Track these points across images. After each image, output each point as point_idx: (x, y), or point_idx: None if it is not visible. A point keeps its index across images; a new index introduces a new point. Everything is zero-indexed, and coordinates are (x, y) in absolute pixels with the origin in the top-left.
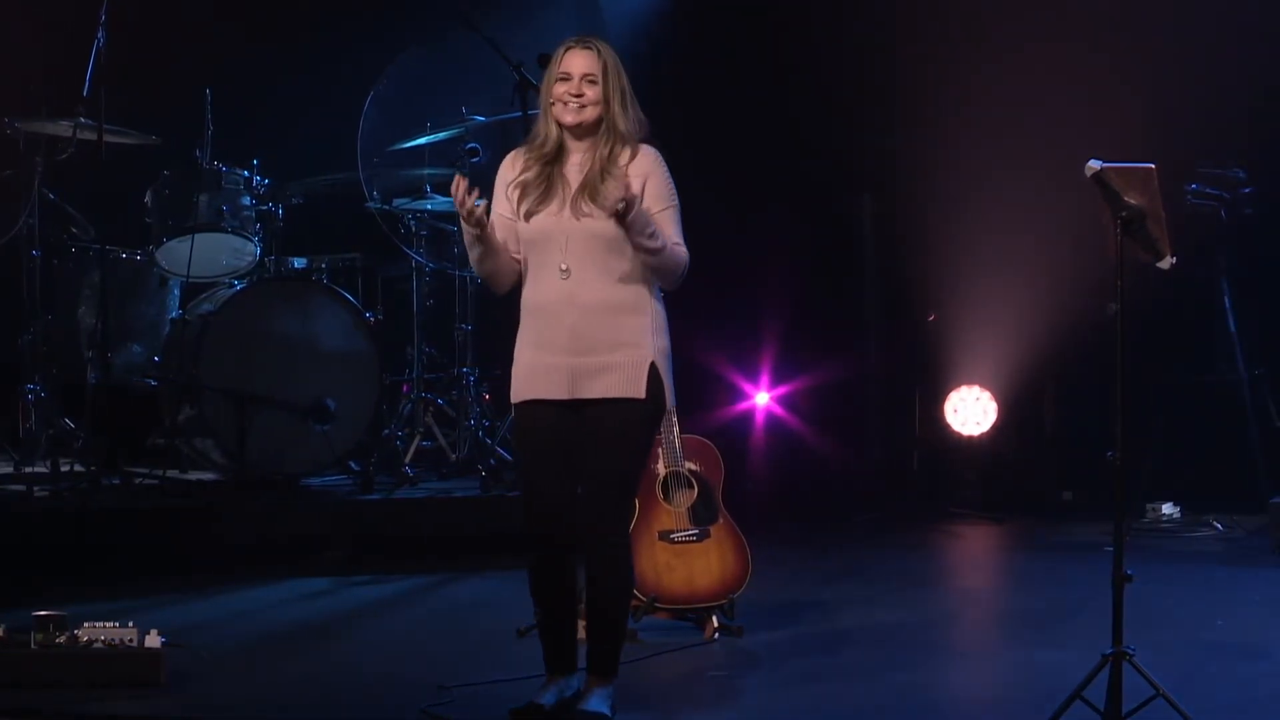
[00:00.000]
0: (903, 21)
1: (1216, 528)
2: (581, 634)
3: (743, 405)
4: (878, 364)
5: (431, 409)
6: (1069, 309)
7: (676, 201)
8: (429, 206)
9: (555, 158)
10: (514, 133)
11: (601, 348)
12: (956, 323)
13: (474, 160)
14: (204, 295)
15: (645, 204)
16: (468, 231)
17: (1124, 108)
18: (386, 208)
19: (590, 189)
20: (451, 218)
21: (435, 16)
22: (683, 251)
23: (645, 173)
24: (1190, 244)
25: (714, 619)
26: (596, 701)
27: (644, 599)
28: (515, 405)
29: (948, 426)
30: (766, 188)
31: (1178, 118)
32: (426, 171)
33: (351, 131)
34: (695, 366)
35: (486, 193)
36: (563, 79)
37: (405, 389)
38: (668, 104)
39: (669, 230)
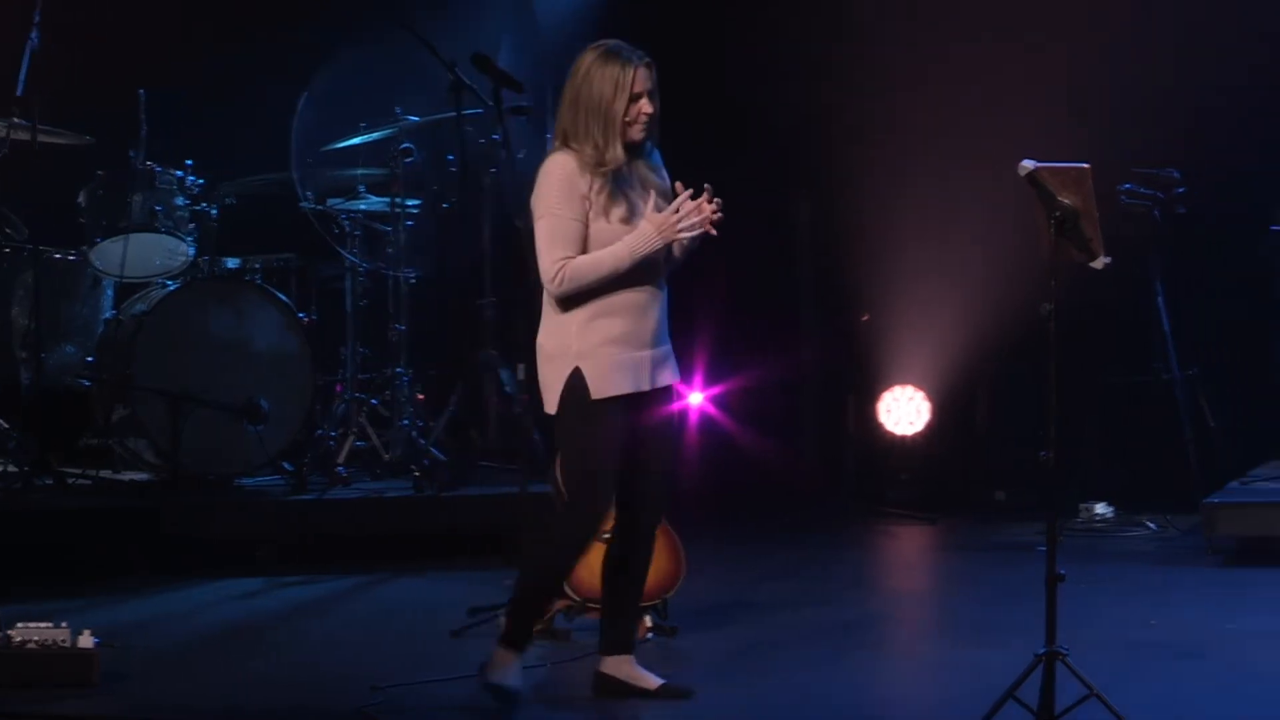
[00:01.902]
0: (839, 20)
1: (1150, 527)
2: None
3: (676, 405)
4: (812, 364)
5: (365, 409)
6: (1002, 309)
7: None
8: (363, 207)
9: (617, 169)
10: (448, 133)
11: (665, 339)
12: (890, 323)
13: (407, 161)
14: (138, 295)
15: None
16: (658, 249)
17: (1058, 107)
18: (320, 208)
19: (664, 195)
20: (385, 218)
21: (369, 17)
22: None
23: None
24: (1124, 244)
25: (647, 619)
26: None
27: (577, 599)
28: (603, 400)
29: (881, 426)
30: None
31: (1112, 117)
32: (360, 172)
33: (285, 132)
34: None
35: (420, 190)
36: (636, 97)
37: (338, 389)
38: None
39: None
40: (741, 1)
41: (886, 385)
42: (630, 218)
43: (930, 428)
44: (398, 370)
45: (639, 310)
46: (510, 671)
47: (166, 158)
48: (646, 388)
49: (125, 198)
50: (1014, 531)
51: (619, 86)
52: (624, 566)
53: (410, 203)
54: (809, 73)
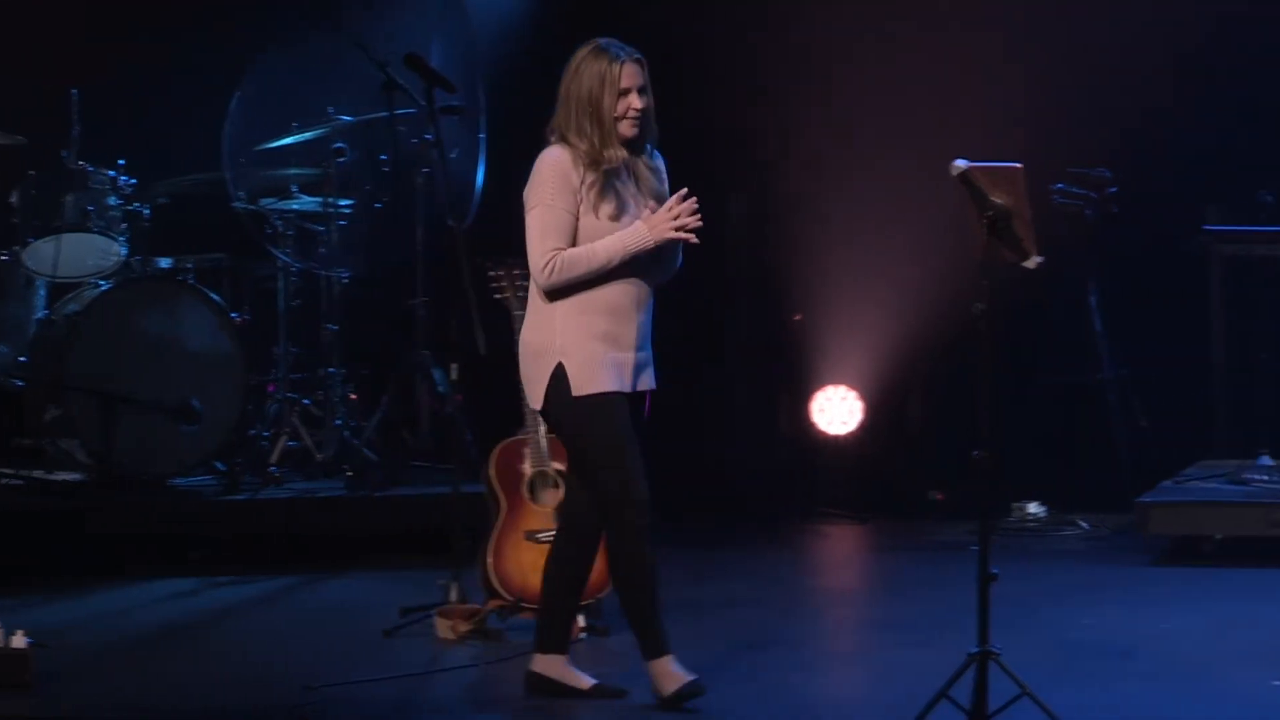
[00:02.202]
0: (771, 20)
1: (1082, 527)
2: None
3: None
4: (744, 364)
5: (297, 409)
6: (935, 309)
7: None
8: (295, 206)
9: (613, 167)
10: (381, 132)
11: (647, 343)
12: (823, 322)
13: (340, 160)
14: (70, 295)
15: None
16: (649, 247)
17: (990, 107)
18: (253, 208)
19: (658, 198)
20: (317, 218)
21: (301, 16)
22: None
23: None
24: (1056, 244)
25: (580, 619)
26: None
27: (510, 599)
28: (589, 396)
29: (814, 426)
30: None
31: (1044, 117)
32: (293, 171)
33: (218, 131)
34: None
35: (353, 190)
36: (624, 94)
37: (271, 389)
38: (535, 102)
39: None
40: (671, 2)
41: (819, 385)
42: (620, 215)
43: (863, 427)
44: (330, 370)
45: (623, 311)
46: (671, 676)
47: (99, 157)
48: (628, 389)
49: (58, 198)
50: (946, 531)
51: (606, 82)
52: (572, 567)
53: (343, 202)
54: (742, 72)
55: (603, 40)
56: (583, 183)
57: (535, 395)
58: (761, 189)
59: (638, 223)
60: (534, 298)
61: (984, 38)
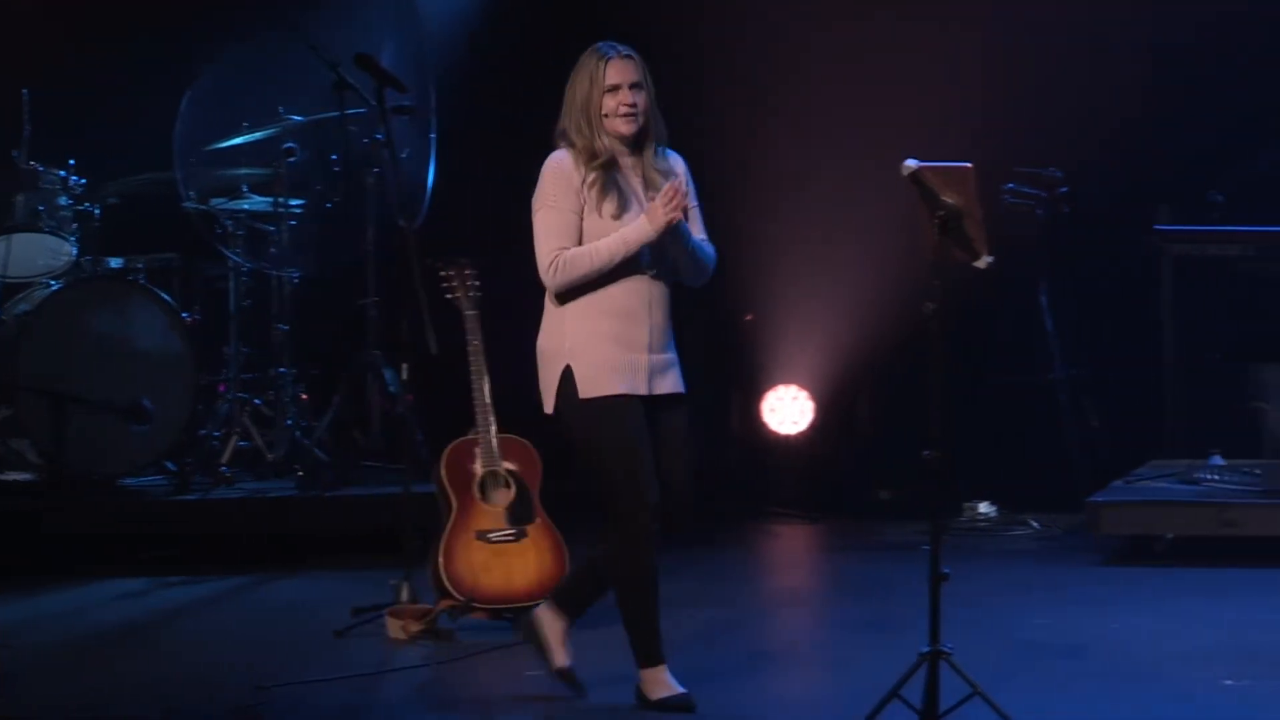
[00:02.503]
0: (722, 21)
1: (1033, 526)
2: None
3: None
4: (695, 363)
5: (248, 409)
6: (886, 309)
7: (699, 201)
8: (246, 206)
9: (610, 165)
10: (331, 132)
11: (666, 346)
12: (773, 322)
13: (290, 160)
14: (20, 295)
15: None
16: (624, 251)
17: (941, 107)
18: (203, 208)
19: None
20: (268, 218)
21: (252, 16)
22: (713, 247)
23: (681, 175)
24: (1007, 244)
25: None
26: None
27: (460, 599)
28: (594, 399)
29: (765, 426)
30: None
31: (995, 117)
32: (243, 171)
33: (169, 131)
34: (512, 367)
35: (303, 190)
36: (612, 90)
37: (222, 389)
38: (486, 101)
39: (698, 227)
40: (621, 3)
41: (770, 385)
42: (622, 213)
43: (814, 427)
44: (281, 370)
45: (634, 313)
46: (663, 685)
47: (50, 157)
48: (643, 392)
49: (8, 198)
50: (898, 531)
51: (593, 81)
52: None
53: (293, 202)
54: (690, 72)
55: (601, 42)
56: (584, 182)
57: (547, 400)
58: (712, 188)
59: (640, 217)
60: (546, 302)
61: (935, 38)
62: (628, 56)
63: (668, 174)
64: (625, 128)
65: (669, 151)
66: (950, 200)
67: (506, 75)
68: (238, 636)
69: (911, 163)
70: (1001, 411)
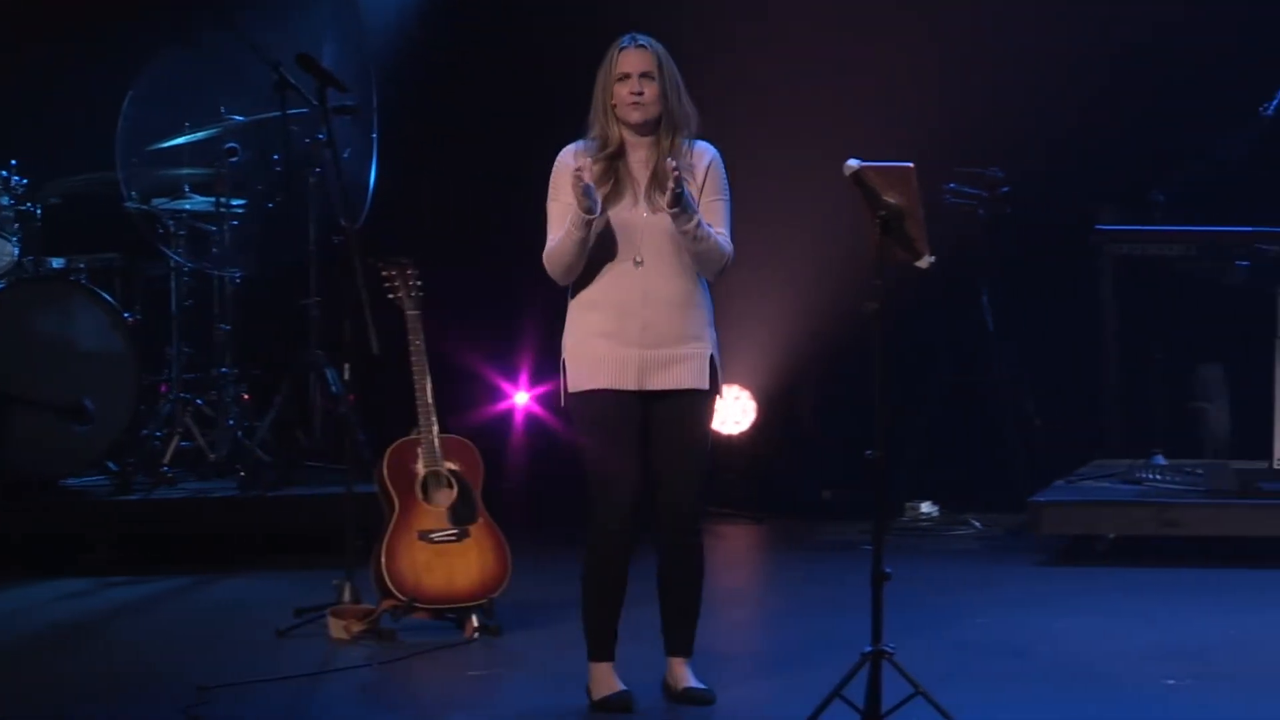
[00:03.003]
0: (662, 17)
1: (975, 526)
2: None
3: (502, 405)
4: None
5: (190, 409)
6: (828, 308)
7: (729, 197)
8: (188, 206)
9: (617, 155)
10: (273, 132)
11: (670, 341)
12: (715, 322)
13: (232, 160)
14: None
15: (701, 195)
16: (576, 232)
17: (882, 106)
18: (145, 208)
19: (661, 183)
20: (210, 218)
21: (193, 16)
22: (728, 243)
23: (705, 166)
24: (949, 243)
25: (473, 619)
26: (695, 679)
27: (403, 599)
28: (580, 393)
29: None
30: (526, 182)
31: (936, 116)
32: (185, 171)
33: (110, 131)
34: (454, 366)
35: (245, 190)
36: (622, 79)
37: (163, 389)
38: (428, 99)
39: (717, 221)
40: (561, 2)
41: None
42: (615, 202)
43: (756, 427)
44: (223, 370)
45: (627, 307)
46: (604, 683)
47: None
48: (630, 387)
49: None
50: (840, 530)
51: (608, 70)
52: (661, 581)
53: (235, 202)
54: None
55: (627, 33)
56: (583, 168)
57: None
58: None
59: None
60: None
61: (877, 38)
62: (642, 46)
63: (689, 168)
64: (632, 116)
65: (699, 143)
66: (892, 200)
67: (448, 74)
68: (179, 637)
69: (853, 162)
70: (943, 411)
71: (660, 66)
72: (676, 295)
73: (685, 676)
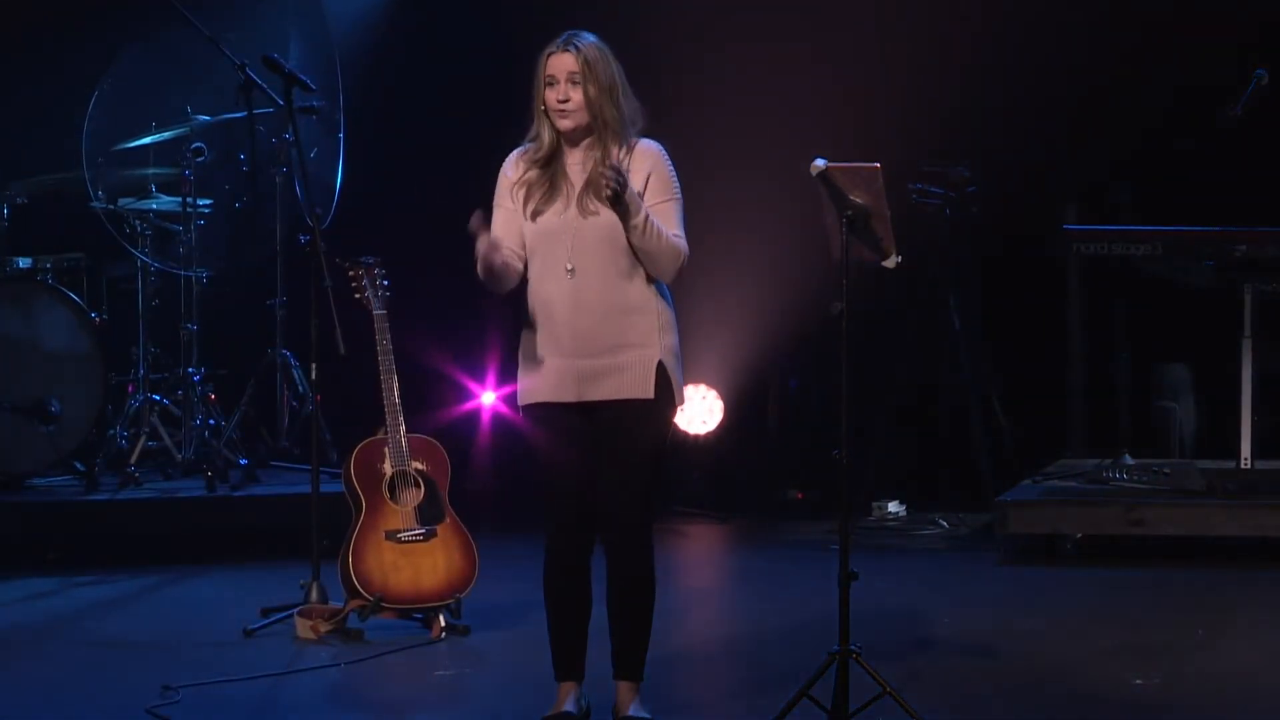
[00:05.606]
0: (625, 15)
1: (942, 526)
2: None
3: (469, 405)
4: None
5: (157, 409)
6: (794, 308)
7: (679, 195)
8: (154, 206)
9: (554, 159)
10: (239, 132)
11: (606, 350)
12: (681, 321)
13: (199, 160)
14: None
15: (646, 198)
16: (480, 260)
17: (848, 105)
18: (111, 207)
19: (595, 187)
20: (175, 217)
21: (159, 16)
22: (680, 241)
23: (647, 168)
24: (915, 243)
25: (441, 618)
26: (637, 708)
27: (370, 598)
28: (525, 407)
29: (674, 425)
30: (493, 183)
31: (902, 116)
32: (151, 171)
33: (77, 131)
34: (421, 365)
35: (211, 189)
36: (549, 84)
37: (130, 389)
38: (393, 101)
39: (669, 223)
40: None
41: None
42: (541, 211)
43: (723, 426)
44: (189, 370)
45: (558, 315)
46: (557, 702)
47: None
48: (569, 399)
49: None
50: (807, 530)
51: (539, 75)
52: (608, 594)
53: (202, 202)
54: None
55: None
56: (518, 179)
57: None
58: None
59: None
60: None
61: (841, 36)
62: (570, 49)
63: (622, 169)
64: (559, 123)
65: (643, 141)
66: (858, 200)
67: (413, 70)
68: (145, 637)
69: (820, 162)
70: (910, 411)
71: (589, 69)
72: (611, 302)
73: (626, 704)
